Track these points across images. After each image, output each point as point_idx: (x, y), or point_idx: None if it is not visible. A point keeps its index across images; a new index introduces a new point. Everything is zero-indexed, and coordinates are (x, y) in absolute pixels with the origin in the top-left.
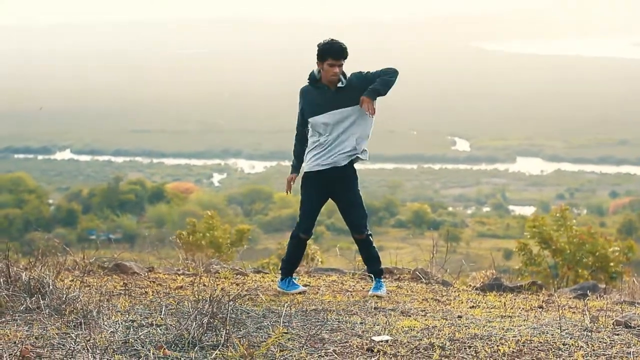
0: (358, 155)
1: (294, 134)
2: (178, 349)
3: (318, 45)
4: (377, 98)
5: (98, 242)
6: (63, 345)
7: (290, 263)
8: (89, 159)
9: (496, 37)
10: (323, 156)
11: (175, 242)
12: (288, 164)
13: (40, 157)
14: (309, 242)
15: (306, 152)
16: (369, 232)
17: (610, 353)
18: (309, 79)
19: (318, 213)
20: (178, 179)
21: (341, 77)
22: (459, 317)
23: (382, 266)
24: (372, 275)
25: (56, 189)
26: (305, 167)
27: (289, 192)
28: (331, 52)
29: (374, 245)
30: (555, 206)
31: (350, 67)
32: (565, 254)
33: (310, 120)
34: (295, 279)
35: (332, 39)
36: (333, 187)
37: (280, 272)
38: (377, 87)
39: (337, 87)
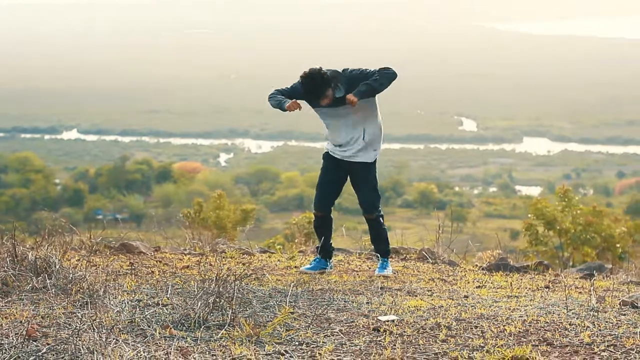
0: (374, 151)
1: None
2: (184, 328)
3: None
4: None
5: (105, 222)
6: (69, 324)
7: (321, 244)
8: (96, 139)
9: (506, 17)
10: (336, 147)
11: (182, 221)
12: (295, 143)
13: (47, 136)
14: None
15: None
16: (381, 214)
17: (616, 333)
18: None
19: (334, 190)
20: (185, 158)
21: (338, 87)
22: (465, 297)
23: (390, 246)
24: (379, 255)
25: (63, 168)
26: (326, 146)
27: (299, 108)
28: (309, 96)
29: (384, 226)
30: (559, 187)
31: (361, 45)
32: (571, 234)
33: (315, 110)
34: (316, 260)
35: (306, 77)
36: (349, 167)
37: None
38: (362, 89)
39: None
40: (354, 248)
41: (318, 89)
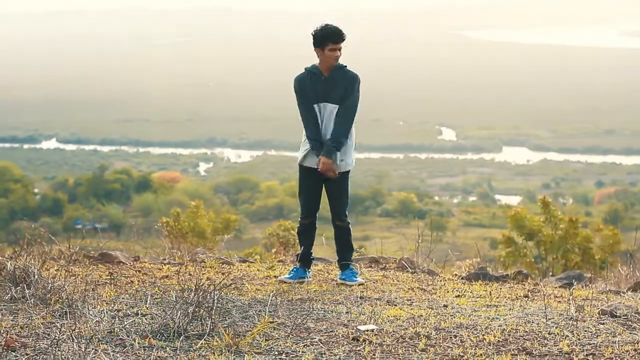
0: (345, 163)
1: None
2: (163, 338)
3: (315, 32)
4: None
5: (84, 232)
6: (48, 334)
7: (301, 253)
8: (75, 148)
9: (483, 26)
10: (311, 152)
11: (160, 231)
12: (274, 152)
13: (26, 146)
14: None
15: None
16: (349, 222)
17: (595, 342)
18: (306, 68)
19: (317, 198)
20: (164, 168)
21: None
22: (445, 306)
23: (369, 255)
24: (344, 265)
25: (42, 178)
26: (299, 159)
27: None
28: (331, 36)
29: (351, 234)
30: (540, 197)
31: (341, 55)
32: (550, 244)
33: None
34: (294, 269)
35: (327, 24)
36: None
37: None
38: (333, 146)
39: (329, 74)
40: (333, 257)
41: (341, 30)
